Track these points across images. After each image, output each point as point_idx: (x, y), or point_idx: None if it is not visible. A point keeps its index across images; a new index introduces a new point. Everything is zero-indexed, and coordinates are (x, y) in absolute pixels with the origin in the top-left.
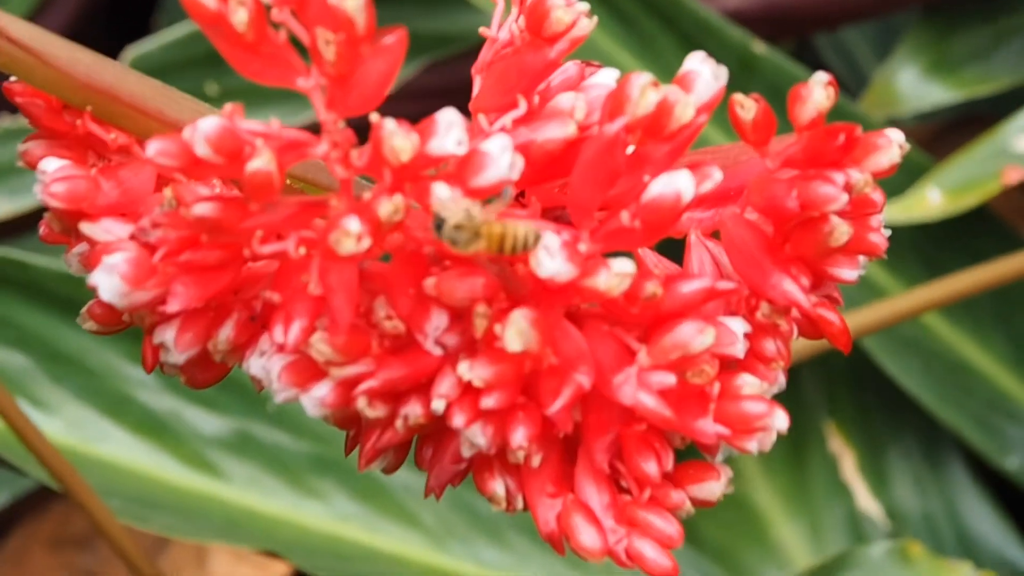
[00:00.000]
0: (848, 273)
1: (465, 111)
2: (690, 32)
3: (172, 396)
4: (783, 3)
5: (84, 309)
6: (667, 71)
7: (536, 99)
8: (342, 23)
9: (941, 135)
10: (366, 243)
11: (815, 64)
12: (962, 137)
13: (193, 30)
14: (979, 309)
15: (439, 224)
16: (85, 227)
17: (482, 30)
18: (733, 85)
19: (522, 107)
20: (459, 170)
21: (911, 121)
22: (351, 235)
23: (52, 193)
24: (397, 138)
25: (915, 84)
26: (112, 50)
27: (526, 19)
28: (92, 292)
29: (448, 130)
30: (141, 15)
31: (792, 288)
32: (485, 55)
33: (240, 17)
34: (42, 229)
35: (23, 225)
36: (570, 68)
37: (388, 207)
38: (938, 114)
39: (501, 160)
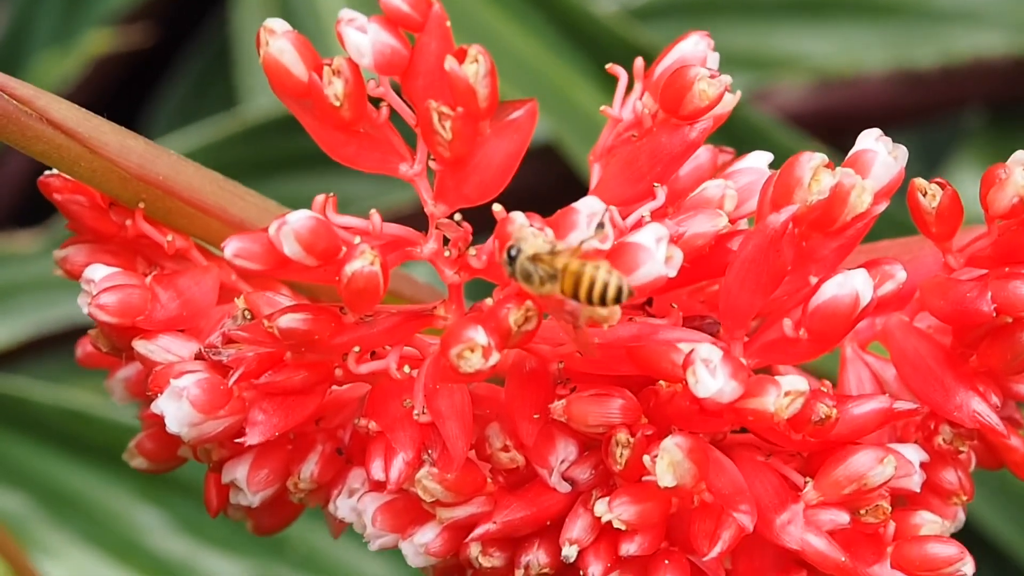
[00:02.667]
0: None
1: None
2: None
3: (185, 538)
4: (837, 104)
5: (132, 443)
6: None
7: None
8: (461, 94)
9: None
10: (495, 358)
11: None
12: None
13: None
14: None
15: (512, 255)
16: (140, 345)
17: (603, 109)
18: None
19: (660, 197)
20: None
21: None
22: (477, 348)
23: (102, 305)
24: (532, 236)
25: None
26: None
27: (662, 95)
28: (99, 427)
29: (590, 222)
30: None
31: (983, 408)
32: (605, 139)
33: (336, 89)
34: (81, 349)
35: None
36: (701, 154)
37: (518, 315)
38: None
39: (657, 253)
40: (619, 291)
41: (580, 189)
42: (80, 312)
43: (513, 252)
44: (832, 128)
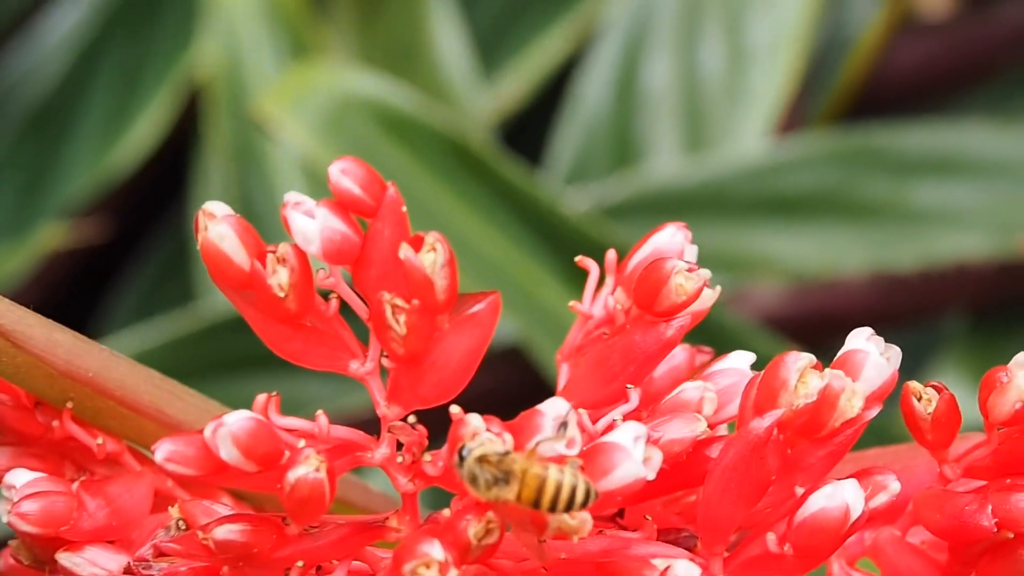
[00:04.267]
0: None
1: None
2: (714, 338)
3: None
4: (815, 306)
5: None
6: None
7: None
8: (417, 286)
9: None
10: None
11: None
12: None
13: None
14: None
15: (462, 456)
16: (65, 558)
17: (572, 304)
18: None
19: (634, 399)
20: None
21: None
22: (433, 565)
23: (23, 514)
24: (487, 440)
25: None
26: None
27: (636, 289)
28: None
29: (556, 426)
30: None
31: None
32: (574, 337)
33: (281, 279)
34: (3, 562)
35: None
36: (678, 354)
37: (478, 528)
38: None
39: (635, 453)
40: (587, 495)
41: (548, 392)
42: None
43: (464, 452)
44: (810, 331)
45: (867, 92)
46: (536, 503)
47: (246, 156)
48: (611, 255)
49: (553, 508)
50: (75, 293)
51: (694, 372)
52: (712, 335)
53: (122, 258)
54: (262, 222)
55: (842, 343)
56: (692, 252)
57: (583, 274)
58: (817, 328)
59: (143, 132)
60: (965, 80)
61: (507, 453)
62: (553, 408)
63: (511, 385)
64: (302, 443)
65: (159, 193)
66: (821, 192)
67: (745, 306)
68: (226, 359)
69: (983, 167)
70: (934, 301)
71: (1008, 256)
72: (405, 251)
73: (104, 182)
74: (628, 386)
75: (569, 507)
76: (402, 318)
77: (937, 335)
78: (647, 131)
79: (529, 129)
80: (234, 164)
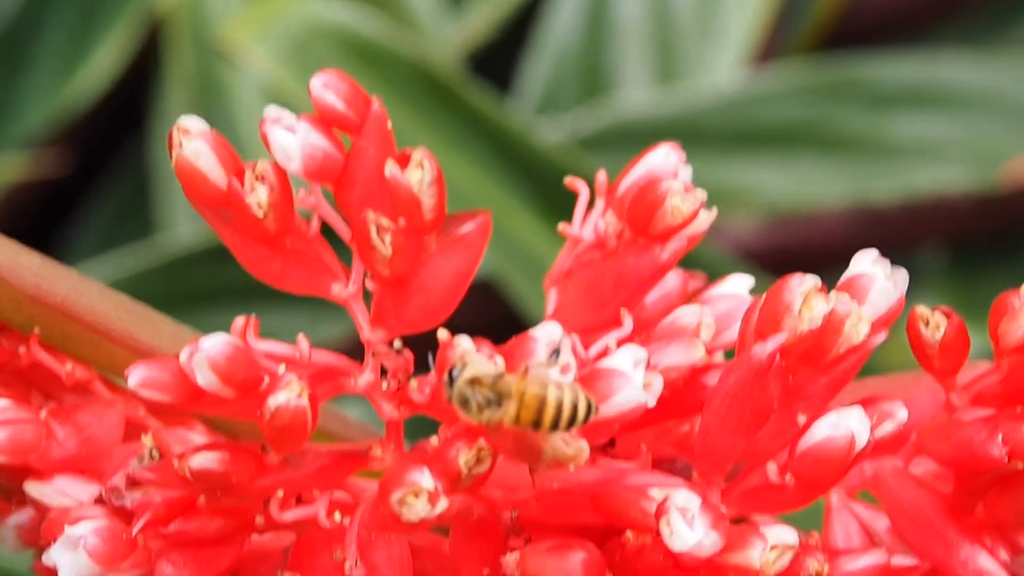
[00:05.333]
0: None
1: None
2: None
3: None
4: (792, 240)
5: None
6: None
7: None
8: (403, 205)
9: None
10: (442, 505)
11: None
12: None
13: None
14: None
15: (452, 376)
16: (33, 488)
17: (561, 228)
18: None
19: (627, 324)
20: None
21: None
22: (422, 494)
23: None
24: (479, 364)
25: None
26: None
27: (629, 211)
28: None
29: (549, 351)
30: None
31: (991, 565)
32: (563, 261)
33: (260, 198)
34: None
35: None
36: (670, 279)
37: (469, 456)
38: None
39: (635, 378)
40: (588, 409)
41: (522, 327)
42: None
43: (454, 373)
44: (788, 265)
45: (843, 23)
46: (537, 423)
47: (208, 88)
48: (601, 176)
49: (555, 427)
50: (35, 227)
51: (687, 298)
52: (688, 268)
53: (82, 192)
54: None
55: (820, 276)
56: (686, 173)
57: (556, 206)
58: (794, 262)
59: (102, 63)
60: (942, 11)
61: (501, 375)
62: (546, 333)
63: (483, 320)
64: (282, 368)
65: (119, 127)
66: (798, 124)
67: (722, 239)
68: (192, 291)
69: (962, 99)
70: (913, 235)
71: (987, 189)
72: (391, 168)
73: (63, 114)
74: (621, 311)
75: (572, 424)
76: (388, 238)
77: (915, 270)
78: (617, 62)
79: (498, 61)
80: (196, 96)
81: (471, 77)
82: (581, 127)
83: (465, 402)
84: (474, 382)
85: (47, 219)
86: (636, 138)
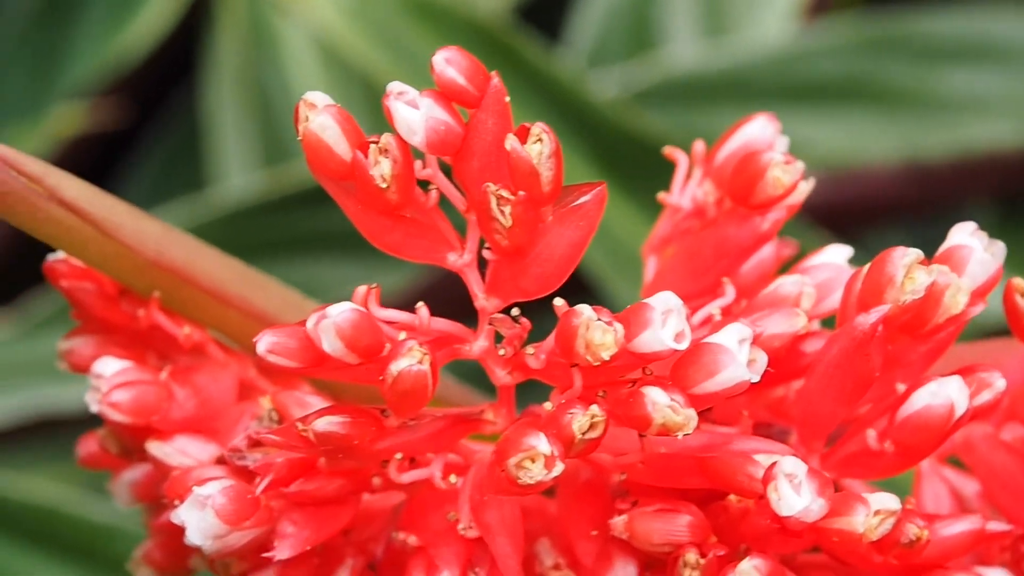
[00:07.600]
0: None
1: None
2: None
3: None
4: (843, 195)
5: (138, 553)
6: None
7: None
8: (523, 177)
9: None
10: (558, 469)
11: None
12: None
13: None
14: None
15: None
16: (155, 447)
17: (660, 196)
18: None
19: (730, 293)
20: (679, 371)
21: None
22: (539, 458)
23: (114, 403)
24: (596, 331)
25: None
26: None
27: (731, 182)
28: (73, 524)
29: (665, 319)
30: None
31: None
32: (662, 229)
33: (383, 170)
34: (84, 449)
35: None
36: (764, 247)
37: (583, 422)
38: None
39: (740, 356)
40: None
41: (579, 287)
42: (46, 401)
43: None
44: (839, 219)
45: None
46: None
47: (259, 37)
48: (699, 145)
49: None
50: (86, 178)
51: (780, 266)
52: None
53: (131, 143)
54: (273, 104)
55: (870, 232)
56: (783, 143)
57: (611, 161)
58: (845, 217)
59: (153, 13)
60: None
61: None
62: (662, 302)
63: None
64: (403, 335)
65: (167, 78)
66: (847, 79)
67: None
68: (245, 245)
69: (1012, 53)
70: (963, 190)
71: None
72: (511, 142)
73: (115, 66)
74: (724, 280)
75: None
76: (507, 209)
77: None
78: (666, 16)
79: (545, 14)
80: (247, 46)
81: (523, 30)
82: (632, 81)
83: None
84: None
85: (97, 171)
86: (686, 93)
